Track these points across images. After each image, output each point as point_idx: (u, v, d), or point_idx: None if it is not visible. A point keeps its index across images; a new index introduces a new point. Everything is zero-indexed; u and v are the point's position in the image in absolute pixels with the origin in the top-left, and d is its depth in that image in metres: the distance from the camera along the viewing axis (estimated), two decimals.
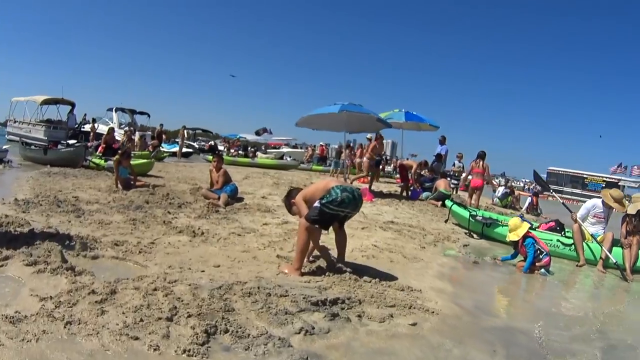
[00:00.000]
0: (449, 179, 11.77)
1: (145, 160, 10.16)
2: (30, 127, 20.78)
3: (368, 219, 6.70)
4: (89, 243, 3.84)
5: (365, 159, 14.15)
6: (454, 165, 14.68)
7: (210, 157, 18.82)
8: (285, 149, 32.87)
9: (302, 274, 3.54)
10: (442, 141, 13.04)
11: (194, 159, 21.15)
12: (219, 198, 6.96)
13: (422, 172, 11.85)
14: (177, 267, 3.46)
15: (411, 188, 11.29)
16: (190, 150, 23.97)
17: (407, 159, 14.49)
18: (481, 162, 10.29)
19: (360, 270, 3.74)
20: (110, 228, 4.61)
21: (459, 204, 8.00)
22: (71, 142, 12.43)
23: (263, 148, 31.02)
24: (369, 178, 13.35)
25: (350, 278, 3.46)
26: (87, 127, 20.08)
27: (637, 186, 31.56)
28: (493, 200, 13.17)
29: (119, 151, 7.66)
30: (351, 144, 16.77)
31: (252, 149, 25.01)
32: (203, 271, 3.42)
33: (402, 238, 5.74)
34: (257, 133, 32.23)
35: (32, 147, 11.73)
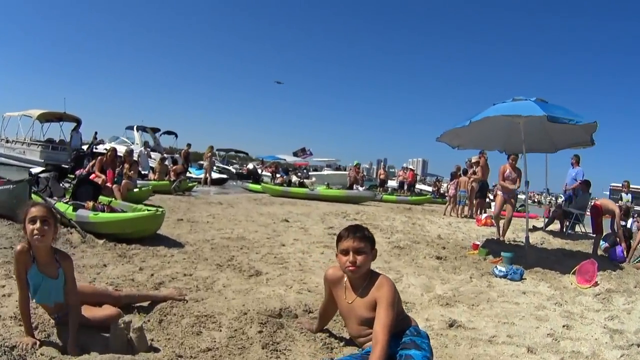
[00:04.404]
0: None
1: (140, 213, 4.79)
2: (24, 147, 17.58)
3: None
4: None
5: (472, 183, 10.33)
6: (620, 199, 9.92)
7: (256, 187, 14.22)
8: (326, 172, 28.98)
9: None
10: (577, 162, 8.82)
11: (230, 187, 17.02)
12: None
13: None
14: None
15: (613, 246, 6.49)
16: (225, 176, 19.83)
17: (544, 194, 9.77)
18: None
19: None
20: None
21: None
22: (35, 170, 7.99)
23: (305, 171, 27.52)
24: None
25: None
26: (103, 148, 16.25)
27: None
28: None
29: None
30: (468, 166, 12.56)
31: (299, 174, 20.73)
32: None
33: None
34: (296, 154, 28.74)
35: None
